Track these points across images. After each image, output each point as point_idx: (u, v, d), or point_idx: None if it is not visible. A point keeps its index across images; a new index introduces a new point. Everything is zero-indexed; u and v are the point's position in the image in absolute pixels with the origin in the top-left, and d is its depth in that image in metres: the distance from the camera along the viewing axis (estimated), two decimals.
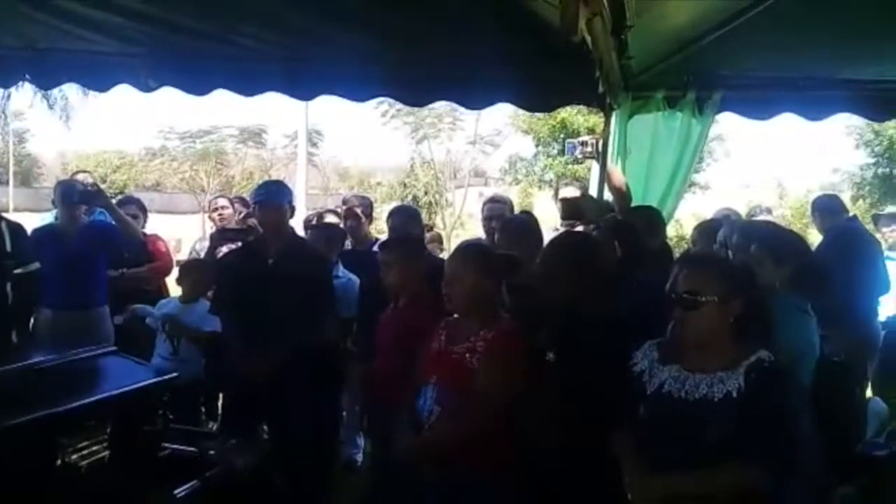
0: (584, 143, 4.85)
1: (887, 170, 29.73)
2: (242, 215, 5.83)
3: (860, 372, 4.11)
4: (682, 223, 18.25)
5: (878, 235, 6.26)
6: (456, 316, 3.07)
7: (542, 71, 4.80)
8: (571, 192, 5.29)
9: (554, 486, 2.79)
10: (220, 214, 6.22)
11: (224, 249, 5.20)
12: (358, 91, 5.10)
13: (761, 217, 6.11)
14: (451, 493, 2.79)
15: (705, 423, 2.29)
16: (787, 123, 5.36)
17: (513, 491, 2.78)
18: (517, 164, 28.17)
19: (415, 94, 5.17)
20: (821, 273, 3.48)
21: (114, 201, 5.52)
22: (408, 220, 5.00)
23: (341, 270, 4.91)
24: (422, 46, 4.59)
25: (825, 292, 3.90)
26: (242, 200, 6.46)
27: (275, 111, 60.70)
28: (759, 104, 5.28)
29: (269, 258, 4.25)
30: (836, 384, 3.12)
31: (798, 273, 3.15)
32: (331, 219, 5.59)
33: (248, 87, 5.08)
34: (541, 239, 3.95)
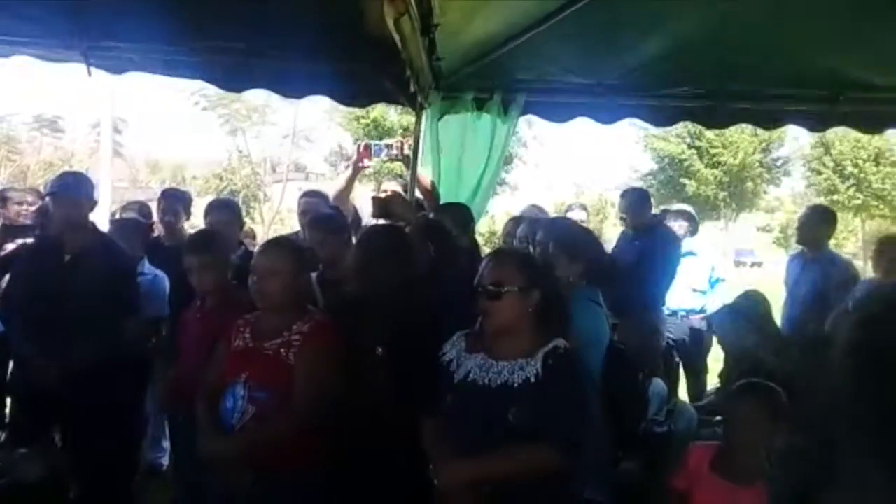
0: (388, 146, 4.94)
1: (671, 173, 32.66)
2: (35, 208, 5.39)
3: (646, 356, 4.49)
4: (496, 220, 19.02)
5: None
6: (257, 312, 3.02)
7: (358, 66, 4.83)
8: (392, 187, 5.36)
9: (369, 480, 2.82)
10: (13, 209, 5.70)
11: (11, 246, 4.79)
12: (168, 70, 4.88)
13: (574, 214, 6.46)
14: (263, 493, 2.76)
15: (506, 408, 2.44)
16: (586, 128, 5.74)
17: (325, 488, 2.78)
18: (339, 159, 28.12)
19: (229, 79, 5.01)
20: (611, 267, 3.78)
21: None
22: (226, 216, 4.81)
23: (147, 267, 4.68)
24: (239, 30, 4.48)
25: (615, 284, 4.24)
26: (36, 192, 5.96)
27: (75, 98, 56.33)
28: (557, 108, 5.61)
29: (65, 255, 3.98)
30: (622, 369, 3.40)
31: (590, 268, 3.41)
32: (132, 214, 5.31)
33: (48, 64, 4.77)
34: (350, 235, 3.99)
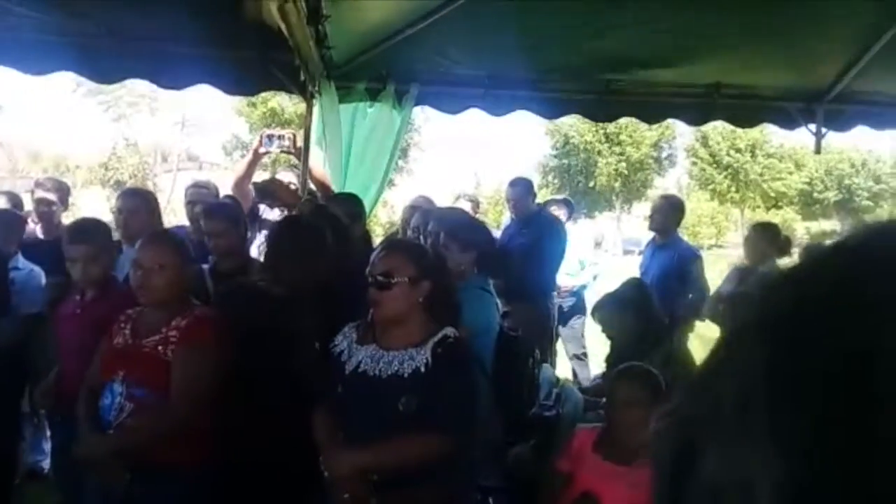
0: (280, 137, 4.87)
1: (564, 161, 33.47)
2: None
3: (535, 342, 4.59)
4: (396, 210, 19.07)
5: None
6: (140, 308, 2.93)
7: (243, 54, 4.74)
8: (288, 178, 5.28)
9: (257, 473, 2.79)
10: None
11: None
12: (35, 64, 4.62)
13: (462, 203, 6.53)
14: (142, 491, 2.68)
15: (397, 398, 2.46)
16: (483, 117, 5.80)
17: (211, 483, 2.73)
18: (235, 148, 27.41)
19: (102, 70, 4.79)
20: (501, 257, 3.85)
21: None
22: (132, 204, 4.51)
23: (21, 261, 4.44)
24: (111, 18, 4.30)
25: (505, 273, 4.32)
26: None
27: None
28: (450, 99, 5.67)
29: None
30: (513, 356, 3.48)
31: (481, 257, 3.47)
32: (4, 204, 5.00)
33: None
34: (245, 225, 3.91)
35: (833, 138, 6.66)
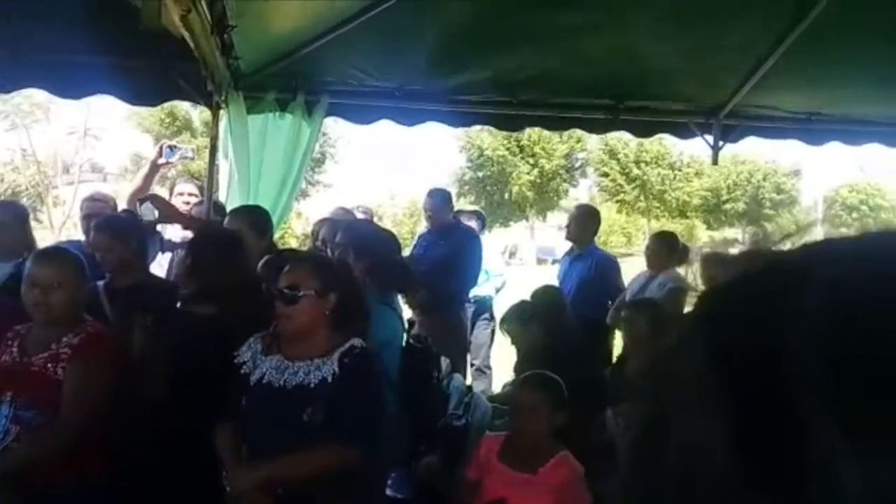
0: (182, 148, 4.79)
1: (479, 173, 33.94)
2: None
3: (446, 352, 4.62)
4: (310, 222, 18.94)
5: None
6: (30, 324, 2.81)
7: (146, 63, 4.63)
8: (189, 189, 5.18)
9: (155, 491, 2.72)
10: None
11: None
12: None
13: (358, 216, 6.51)
14: None
15: (302, 409, 2.45)
16: (398, 129, 5.82)
17: (109, 501, 2.64)
18: (141, 159, 26.61)
19: None
20: (405, 269, 3.87)
21: None
22: (9, 219, 4.32)
23: None
24: (9, 26, 4.14)
25: (410, 285, 4.34)
26: None
27: None
28: (360, 110, 5.67)
29: None
30: (419, 366, 3.50)
31: (383, 269, 3.49)
32: None
33: None
34: (143, 238, 3.79)
35: (736, 149, 6.98)
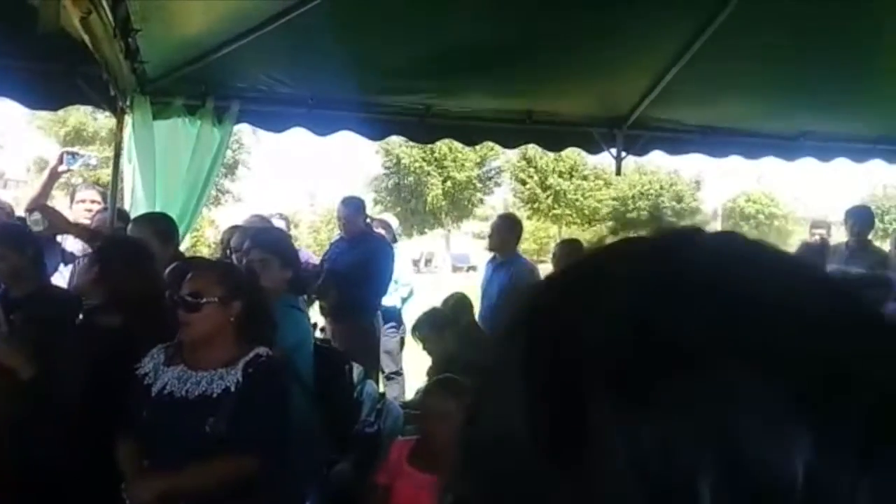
0: (81, 156, 4.66)
1: (396, 181, 34.03)
2: None
3: (364, 358, 4.63)
4: (221, 230, 18.58)
5: None
6: None
7: (48, 67, 4.48)
8: (91, 196, 5.02)
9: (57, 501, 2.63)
10: None
11: None
12: None
13: (277, 222, 6.44)
14: None
15: (204, 419, 2.41)
16: (312, 137, 5.77)
17: None
18: (44, 165, 25.56)
19: None
20: (314, 275, 3.87)
21: None
22: None
23: None
24: None
25: (325, 291, 4.34)
26: None
27: None
28: (272, 117, 5.62)
29: None
30: (332, 372, 3.50)
31: (296, 275, 3.48)
32: None
33: None
34: (39, 247, 3.66)
35: (642, 161, 7.22)
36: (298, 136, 5.72)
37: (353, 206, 6.06)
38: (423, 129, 5.99)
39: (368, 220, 6.27)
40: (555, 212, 35.60)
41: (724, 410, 0.35)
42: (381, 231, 6.55)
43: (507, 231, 5.95)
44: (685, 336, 0.37)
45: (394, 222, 7.50)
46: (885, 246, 7.17)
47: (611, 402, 0.36)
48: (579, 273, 0.46)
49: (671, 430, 0.35)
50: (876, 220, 7.22)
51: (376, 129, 6.01)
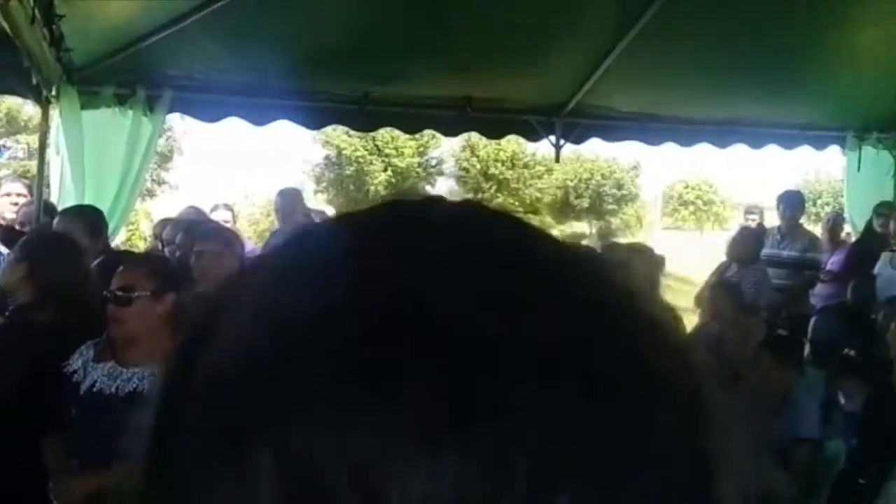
0: (7, 148, 4.50)
1: (338, 171, 33.76)
2: None
3: None
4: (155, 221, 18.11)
5: None
6: None
7: None
8: (17, 189, 4.85)
9: None
10: None
11: None
12: None
13: (217, 214, 6.32)
14: None
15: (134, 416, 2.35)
16: (250, 127, 5.68)
17: None
18: None
19: None
20: None
21: None
22: None
23: None
24: None
25: None
26: None
27: None
28: (207, 106, 5.50)
29: None
30: None
31: None
32: None
33: None
34: None
35: (581, 148, 7.29)
36: (236, 125, 5.64)
37: (289, 197, 5.99)
38: (363, 118, 5.94)
39: (306, 212, 6.20)
40: (498, 201, 35.79)
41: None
42: (317, 218, 6.48)
43: None
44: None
45: (332, 213, 7.45)
46: (817, 229, 7.42)
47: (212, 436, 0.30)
48: (247, 272, 0.38)
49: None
50: (808, 205, 7.46)
51: (314, 118, 5.96)
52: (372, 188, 36.64)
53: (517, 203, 35.21)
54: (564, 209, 34.47)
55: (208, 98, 5.45)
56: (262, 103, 5.55)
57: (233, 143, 46.18)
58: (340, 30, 4.94)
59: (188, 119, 5.63)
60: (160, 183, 27.27)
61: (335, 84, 5.61)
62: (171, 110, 5.38)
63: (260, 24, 4.77)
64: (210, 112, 5.54)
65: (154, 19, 4.57)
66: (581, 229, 32.65)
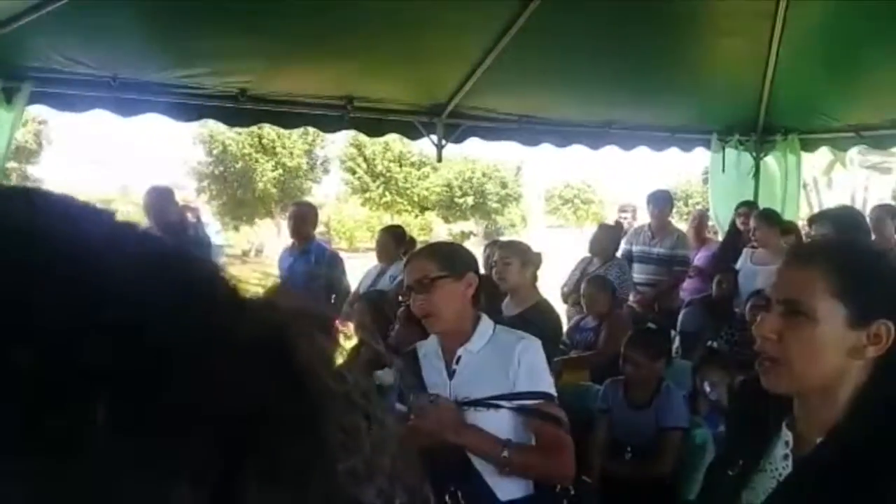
0: None
1: (221, 168, 32.84)
2: None
3: None
4: None
5: None
6: None
7: None
8: None
9: None
10: None
11: None
12: None
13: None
14: None
15: None
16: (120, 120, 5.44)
17: None
18: None
19: None
20: None
21: None
22: None
23: None
24: None
25: None
26: None
27: None
28: (71, 99, 5.22)
29: None
30: None
31: None
32: None
33: None
34: None
35: (465, 148, 7.37)
36: (111, 119, 5.38)
37: (160, 196, 5.80)
38: (239, 114, 5.78)
39: (178, 211, 6.03)
40: (385, 200, 35.71)
41: None
42: (191, 217, 6.32)
43: (299, 219, 6.01)
44: None
45: (210, 212, 7.30)
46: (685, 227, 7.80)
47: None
48: None
49: None
50: (680, 204, 7.84)
51: (187, 112, 5.73)
52: (260, 186, 35.83)
53: (405, 202, 35.29)
54: (452, 207, 34.81)
55: (72, 90, 5.15)
56: (130, 95, 5.29)
57: (109, 138, 44.03)
58: (213, 23, 4.80)
59: (66, 113, 5.30)
60: (24, 179, 25.76)
61: (208, 78, 5.43)
62: (30, 102, 5.06)
63: (124, 14, 4.57)
64: (74, 104, 5.24)
65: (8, 7, 4.30)
66: (469, 228, 33.08)
